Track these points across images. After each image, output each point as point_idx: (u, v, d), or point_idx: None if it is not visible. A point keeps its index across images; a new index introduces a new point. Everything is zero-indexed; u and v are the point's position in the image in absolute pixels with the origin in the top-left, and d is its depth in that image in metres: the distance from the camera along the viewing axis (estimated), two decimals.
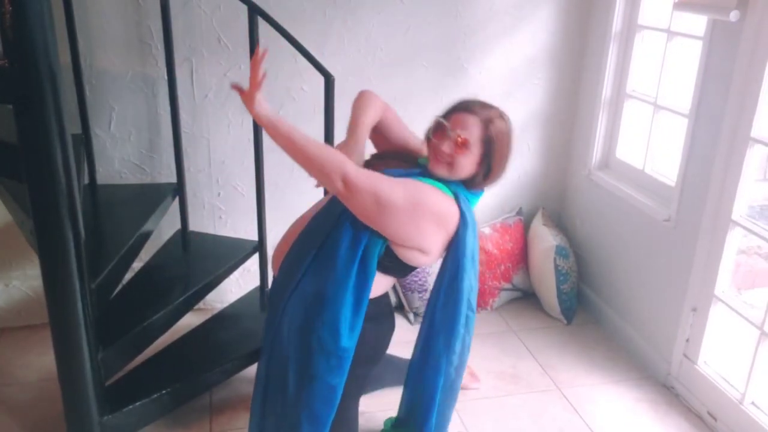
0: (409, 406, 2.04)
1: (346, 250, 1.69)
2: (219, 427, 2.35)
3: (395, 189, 1.64)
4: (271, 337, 1.85)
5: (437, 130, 1.74)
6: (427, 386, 1.90)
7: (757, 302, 2.51)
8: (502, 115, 1.76)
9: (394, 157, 1.89)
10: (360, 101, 1.88)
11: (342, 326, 1.71)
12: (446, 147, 1.71)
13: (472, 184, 1.79)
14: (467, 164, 1.73)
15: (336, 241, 1.70)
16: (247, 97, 1.58)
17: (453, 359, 1.87)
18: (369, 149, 2.05)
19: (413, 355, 1.97)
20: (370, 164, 1.82)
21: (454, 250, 1.77)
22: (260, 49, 1.58)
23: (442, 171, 1.74)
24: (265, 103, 1.59)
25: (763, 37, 2.09)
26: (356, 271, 1.69)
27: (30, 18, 1.50)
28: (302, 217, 1.89)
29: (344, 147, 1.77)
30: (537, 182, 3.27)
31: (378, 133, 1.94)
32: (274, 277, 1.89)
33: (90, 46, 2.58)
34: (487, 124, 1.72)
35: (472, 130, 1.70)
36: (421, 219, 1.67)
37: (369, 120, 1.83)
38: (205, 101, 2.74)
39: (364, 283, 1.71)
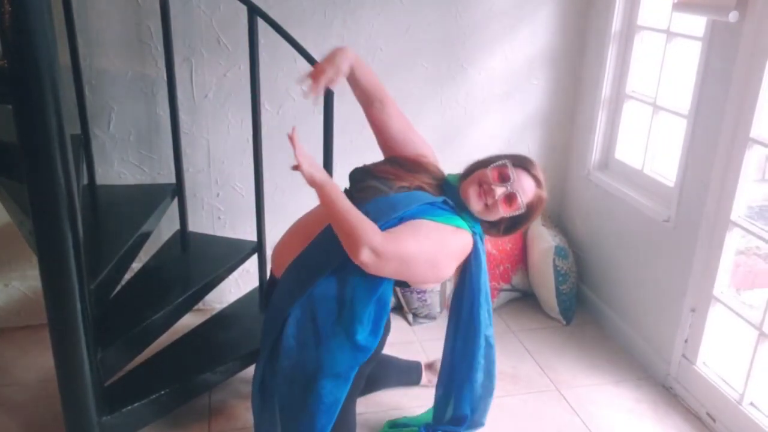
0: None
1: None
2: (218, 427, 2.35)
3: (420, 249, 1.67)
4: (272, 339, 1.85)
5: (499, 173, 1.75)
6: (455, 418, 1.98)
7: (756, 303, 2.51)
8: (545, 193, 1.83)
9: (412, 169, 1.86)
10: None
11: (363, 329, 1.75)
12: (500, 193, 1.74)
13: (488, 229, 1.85)
14: (499, 216, 1.78)
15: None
16: (306, 156, 1.62)
17: (476, 387, 1.96)
18: (370, 150, 2.05)
19: (437, 389, 2.05)
20: (384, 170, 1.81)
21: (470, 287, 1.85)
22: (293, 134, 1.62)
23: (476, 206, 1.77)
24: (317, 170, 1.63)
25: (762, 38, 2.09)
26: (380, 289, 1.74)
27: (30, 18, 1.50)
28: (305, 218, 1.89)
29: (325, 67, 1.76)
30: None
31: (380, 124, 1.92)
32: (273, 276, 1.89)
33: (89, 47, 2.58)
34: (538, 197, 1.79)
35: (527, 195, 1.77)
36: (441, 264, 1.75)
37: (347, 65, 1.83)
38: (205, 101, 2.74)
39: (386, 299, 1.76)
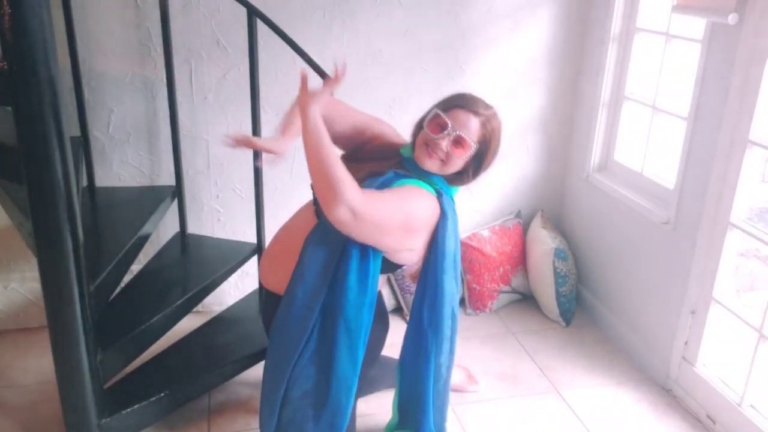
0: (403, 408, 2.04)
1: (356, 273, 1.69)
2: (217, 429, 2.35)
3: (393, 211, 1.64)
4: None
5: (435, 124, 1.72)
6: (422, 387, 1.90)
7: (756, 305, 2.51)
8: (496, 115, 1.77)
9: (370, 158, 1.83)
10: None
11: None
12: (445, 144, 1.70)
13: (458, 181, 1.79)
14: (459, 163, 1.73)
15: (346, 272, 1.68)
16: (314, 94, 1.54)
17: (442, 360, 1.87)
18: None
19: (402, 357, 1.96)
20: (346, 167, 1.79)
21: (434, 251, 1.76)
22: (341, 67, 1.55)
23: (432, 166, 1.73)
24: (317, 108, 1.56)
25: (761, 40, 2.10)
26: (370, 285, 1.71)
27: (29, 20, 1.50)
28: (282, 229, 1.87)
29: (277, 144, 1.72)
30: (536, 185, 3.27)
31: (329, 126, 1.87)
32: (263, 287, 1.87)
33: (89, 49, 2.58)
34: (485, 124, 1.73)
35: (472, 130, 1.71)
36: (414, 230, 1.69)
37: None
38: (204, 103, 2.74)
39: (375, 287, 1.74)
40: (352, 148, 1.91)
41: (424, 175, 1.75)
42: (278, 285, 1.81)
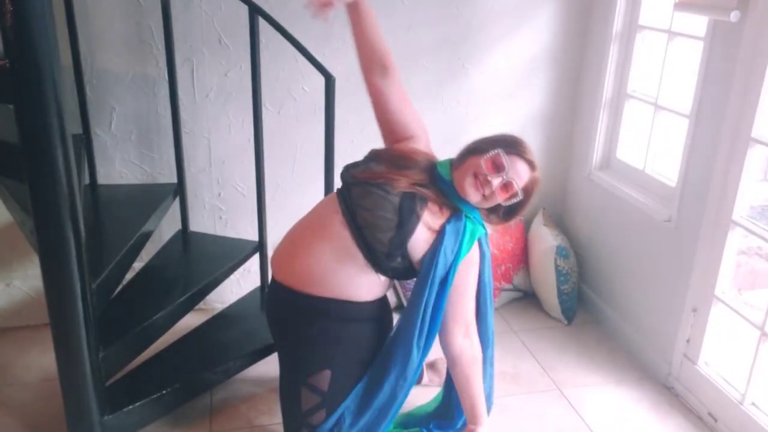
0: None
1: None
2: (219, 426, 2.35)
3: (471, 296, 1.86)
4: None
5: (493, 163, 1.74)
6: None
7: (758, 303, 2.51)
8: (537, 170, 1.83)
9: (400, 165, 1.83)
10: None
11: None
12: (496, 184, 1.74)
13: (487, 217, 1.86)
14: (498, 202, 1.80)
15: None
16: None
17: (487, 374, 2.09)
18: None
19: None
20: (375, 174, 1.79)
21: (479, 284, 1.91)
22: None
23: (474, 198, 1.77)
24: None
25: (763, 38, 2.09)
26: None
27: (31, 18, 1.50)
28: (302, 225, 1.88)
29: None
30: None
31: (378, 95, 1.90)
32: (276, 281, 1.87)
33: (91, 46, 2.58)
34: (533, 180, 1.80)
35: (522, 180, 1.77)
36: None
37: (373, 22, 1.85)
38: (206, 101, 2.75)
39: None
40: (389, 134, 1.95)
41: (457, 199, 1.79)
42: (291, 278, 1.81)
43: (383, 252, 1.69)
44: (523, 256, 3.19)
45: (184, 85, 2.68)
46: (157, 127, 2.75)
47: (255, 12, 2.26)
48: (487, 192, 1.74)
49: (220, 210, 2.93)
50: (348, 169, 1.86)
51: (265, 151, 2.48)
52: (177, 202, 2.73)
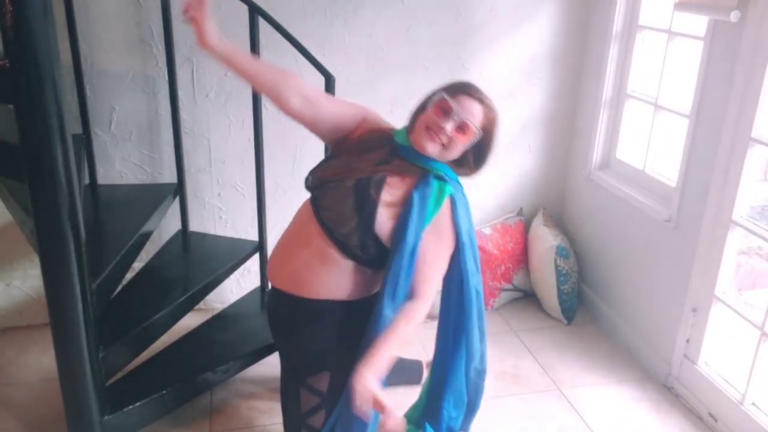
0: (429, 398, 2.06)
1: None
2: (219, 426, 2.35)
3: (441, 269, 1.73)
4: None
5: (440, 109, 1.69)
6: (448, 376, 1.93)
7: (758, 303, 2.51)
8: (495, 106, 1.76)
9: (364, 148, 1.78)
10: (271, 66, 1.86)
11: None
12: (449, 128, 1.67)
13: (460, 170, 1.77)
14: (460, 149, 1.71)
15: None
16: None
17: (474, 344, 1.88)
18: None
19: (436, 345, 1.96)
20: (336, 170, 1.75)
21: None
22: None
23: (433, 150, 1.69)
24: (366, 379, 1.59)
25: (763, 38, 2.09)
26: None
27: (31, 18, 1.50)
28: (292, 233, 1.87)
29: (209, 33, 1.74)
30: (537, 183, 3.27)
31: (305, 117, 1.82)
32: (275, 288, 1.87)
33: (91, 46, 2.58)
34: (488, 114, 1.72)
35: (476, 117, 1.69)
36: (450, 249, 1.75)
37: (248, 60, 1.80)
38: (206, 101, 2.75)
39: None
40: (341, 137, 1.87)
41: (423, 160, 1.73)
42: (285, 283, 1.81)
43: (355, 245, 1.68)
44: (523, 256, 3.19)
45: (184, 85, 2.68)
46: (157, 127, 2.75)
47: (255, 12, 2.26)
48: (443, 139, 1.67)
49: (220, 210, 2.93)
50: (312, 173, 1.84)
51: (265, 151, 2.48)
52: (177, 202, 2.73)
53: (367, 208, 1.66)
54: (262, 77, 1.79)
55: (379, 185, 1.69)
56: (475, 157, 1.75)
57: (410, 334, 1.67)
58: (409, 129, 1.76)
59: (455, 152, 1.72)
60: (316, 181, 1.78)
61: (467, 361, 1.89)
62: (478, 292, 1.84)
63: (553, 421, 2.44)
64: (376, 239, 1.68)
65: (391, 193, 1.69)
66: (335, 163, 1.79)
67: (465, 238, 1.75)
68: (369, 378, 1.57)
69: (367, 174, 1.70)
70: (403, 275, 1.68)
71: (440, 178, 1.72)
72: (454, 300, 1.84)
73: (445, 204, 1.71)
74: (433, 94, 1.73)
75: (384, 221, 1.67)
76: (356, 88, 2.78)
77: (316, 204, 1.74)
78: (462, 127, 1.68)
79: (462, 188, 1.78)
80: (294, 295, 1.78)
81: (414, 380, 2.54)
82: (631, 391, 2.61)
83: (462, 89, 1.72)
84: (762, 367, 2.23)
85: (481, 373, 1.94)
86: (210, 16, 1.65)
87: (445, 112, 1.68)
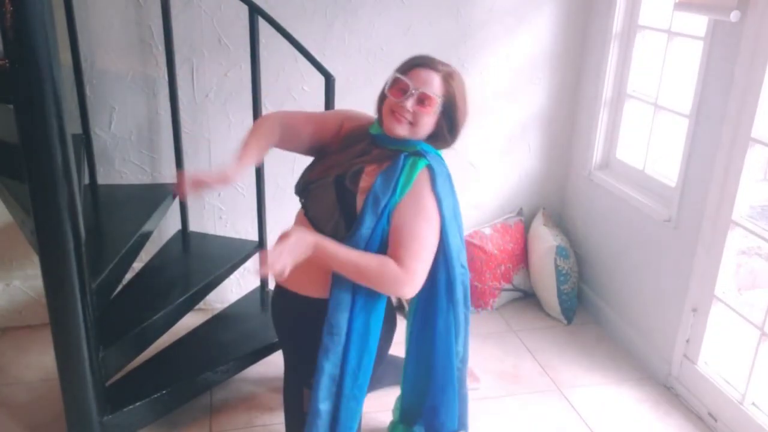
0: (410, 403, 2.04)
1: None
2: (219, 427, 2.36)
3: (427, 237, 1.67)
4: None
5: (397, 89, 1.68)
6: (435, 372, 1.91)
7: (758, 303, 2.51)
8: (456, 70, 1.74)
9: (345, 147, 1.78)
10: (256, 125, 1.85)
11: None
12: (410, 104, 1.66)
13: (438, 142, 1.76)
14: (429, 122, 1.70)
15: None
16: (293, 237, 1.56)
17: (459, 339, 1.86)
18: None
19: (410, 334, 1.95)
20: (319, 170, 1.75)
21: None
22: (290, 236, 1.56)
23: (402, 131, 1.68)
24: (309, 236, 1.59)
25: (763, 38, 2.09)
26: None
27: (31, 18, 1.51)
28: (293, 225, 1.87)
29: (231, 169, 1.71)
30: (537, 183, 3.27)
31: (293, 146, 1.86)
32: (280, 287, 1.87)
33: (91, 46, 2.58)
34: (446, 78, 1.70)
35: (434, 85, 1.68)
36: (437, 223, 1.70)
37: (260, 144, 1.78)
38: (206, 101, 2.75)
39: None
40: (323, 145, 1.88)
41: (400, 145, 1.72)
42: (289, 282, 1.81)
43: (343, 239, 1.69)
44: (522, 256, 3.19)
45: (184, 85, 2.68)
46: (157, 127, 2.75)
47: (255, 12, 2.26)
48: (408, 117, 1.66)
49: (220, 210, 2.93)
50: (300, 178, 1.84)
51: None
52: (177, 202, 2.73)
53: (347, 200, 1.67)
54: (269, 147, 1.83)
55: (356, 176, 1.69)
56: (448, 125, 1.73)
57: (370, 278, 1.63)
58: (378, 118, 1.77)
59: (426, 126, 1.70)
60: (302, 184, 1.79)
61: (455, 351, 1.86)
62: (463, 267, 1.81)
63: (553, 421, 2.44)
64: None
65: (367, 180, 1.69)
66: (318, 164, 1.80)
67: (447, 211, 1.71)
68: (310, 236, 1.57)
69: (345, 169, 1.71)
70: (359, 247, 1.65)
71: (416, 154, 1.70)
72: (442, 280, 1.79)
73: (422, 174, 1.68)
74: (389, 78, 1.73)
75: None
76: (356, 88, 2.77)
77: (305, 206, 1.76)
78: (422, 99, 1.67)
79: (444, 162, 1.76)
80: (298, 294, 1.78)
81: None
82: (631, 391, 2.61)
83: (413, 63, 1.73)
84: (762, 367, 2.23)
85: (465, 362, 1.94)
86: (214, 175, 1.67)
87: (403, 90, 1.68)
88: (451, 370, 1.88)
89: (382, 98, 1.74)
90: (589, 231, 3.14)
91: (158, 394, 2.11)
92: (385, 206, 1.64)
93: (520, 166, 3.20)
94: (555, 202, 3.32)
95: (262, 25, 2.26)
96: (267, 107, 2.74)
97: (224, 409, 2.44)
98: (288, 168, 2.89)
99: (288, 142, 1.84)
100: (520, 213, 3.25)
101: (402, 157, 1.69)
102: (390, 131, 1.70)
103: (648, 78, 2.78)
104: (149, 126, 2.75)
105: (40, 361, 2.64)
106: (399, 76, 1.69)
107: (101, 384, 1.94)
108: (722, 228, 2.30)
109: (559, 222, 3.32)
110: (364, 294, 1.70)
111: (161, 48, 2.57)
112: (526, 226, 3.25)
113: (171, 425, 2.33)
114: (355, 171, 1.69)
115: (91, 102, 2.61)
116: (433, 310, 1.84)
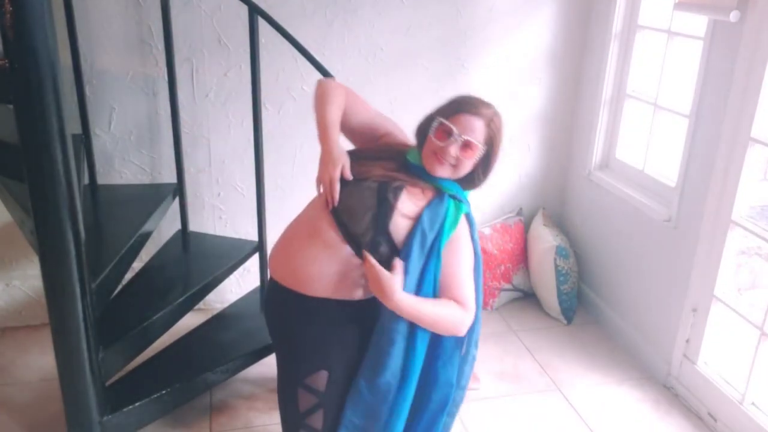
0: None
1: None
2: (219, 427, 2.35)
3: (471, 272, 1.77)
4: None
5: (441, 132, 1.74)
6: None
7: (757, 303, 2.51)
8: (497, 112, 1.78)
9: (377, 156, 1.83)
10: (321, 95, 1.87)
11: None
12: (454, 150, 1.72)
13: (470, 185, 1.81)
14: (469, 165, 1.76)
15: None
16: (387, 284, 1.60)
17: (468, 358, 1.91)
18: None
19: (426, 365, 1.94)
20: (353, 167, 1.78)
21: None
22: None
23: (444, 172, 1.75)
24: (400, 286, 1.63)
25: (763, 38, 2.09)
26: None
27: (30, 18, 1.50)
28: (297, 224, 1.88)
29: (325, 163, 1.74)
30: (537, 183, 3.27)
31: (343, 122, 1.89)
32: (274, 281, 1.87)
33: (90, 46, 2.58)
34: (489, 125, 1.75)
35: (477, 132, 1.73)
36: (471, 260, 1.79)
37: (336, 117, 1.82)
38: (206, 101, 2.75)
39: None
40: (363, 142, 1.94)
41: (440, 182, 1.77)
42: (287, 278, 1.81)
43: (367, 242, 1.69)
44: (522, 256, 3.19)
45: (184, 85, 2.68)
46: (157, 127, 2.75)
47: (255, 12, 2.25)
48: (451, 161, 1.72)
49: (220, 210, 2.93)
50: None
51: (264, 151, 2.48)
52: (177, 202, 2.73)
53: (384, 209, 1.70)
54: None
55: (397, 192, 1.73)
56: (483, 168, 1.81)
57: (445, 325, 1.72)
58: (419, 151, 1.80)
59: (465, 169, 1.77)
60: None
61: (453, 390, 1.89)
62: (477, 317, 1.88)
63: (553, 421, 2.44)
64: (389, 239, 1.69)
65: (409, 201, 1.73)
66: (353, 165, 1.81)
67: (477, 259, 1.81)
68: (396, 283, 1.62)
69: (387, 179, 1.75)
70: (411, 290, 1.72)
71: (453, 197, 1.76)
72: None
73: (463, 221, 1.77)
74: (433, 118, 1.77)
75: (400, 226, 1.71)
76: (356, 88, 2.74)
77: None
78: (466, 145, 1.72)
79: (470, 207, 1.83)
80: (295, 291, 1.78)
81: None
82: (631, 391, 2.61)
83: (458, 107, 1.76)
84: (761, 367, 2.23)
85: (473, 360, 1.96)
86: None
87: (447, 134, 1.72)
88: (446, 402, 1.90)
89: (423, 136, 1.78)
90: (588, 231, 3.14)
91: (158, 394, 2.11)
92: (432, 244, 1.71)
93: (519, 166, 3.20)
94: (555, 202, 3.32)
95: (262, 25, 2.26)
96: (267, 107, 2.74)
97: (224, 409, 2.44)
98: (288, 169, 2.89)
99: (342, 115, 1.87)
100: (519, 213, 3.26)
101: (446, 197, 1.75)
102: (431, 171, 1.75)
103: (648, 78, 2.78)
104: (149, 126, 2.75)
105: (39, 361, 2.64)
106: (443, 121, 1.73)
107: (101, 384, 1.94)
108: (722, 228, 2.30)
109: (559, 222, 3.32)
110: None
111: (161, 48, 2.57)
112: (526, 226, 3.25)
113: (171, 425, 2.33)
114: (397, 186, 1.74)
115: (90, 102, 2.61)
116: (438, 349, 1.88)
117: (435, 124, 1.74)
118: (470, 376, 1.99)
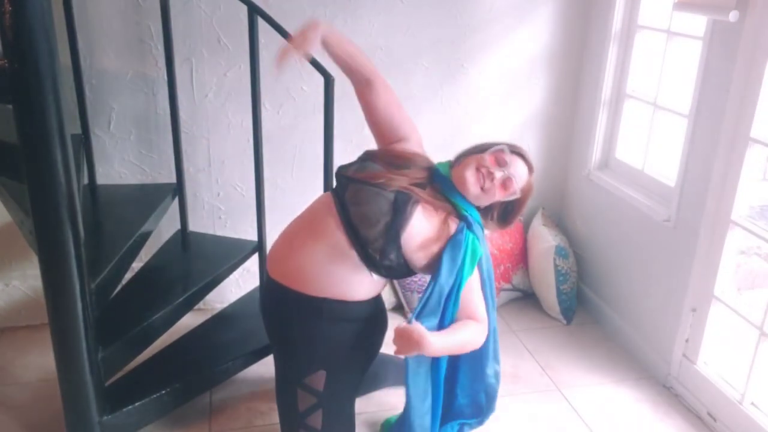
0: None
1: None
2: (218, 427, 2.35)
3: (480, 294, 1.83)
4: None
5: (497, 158, 1.79)
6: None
7: (757, 303, 2.51)
8: (532, 180, 1.88)
9: (399, 165, 1.84)
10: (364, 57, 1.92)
11: None
12: (498, 177, 1.78)
13: (483, 216, 1.87)
14: (494, 200, 1.82)
15: None
16: (419, 337, 1.61)
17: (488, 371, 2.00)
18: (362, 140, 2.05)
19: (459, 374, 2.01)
20: (372, 175, 1.78)
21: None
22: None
23: (474, 189, 1.79)
24: (431, 337, 1.63)
25: (762, 38, 2.09)
26: None
27: (30, 18, 1.50)
28: (298, 224, 1.88)
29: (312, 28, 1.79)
30: (536, 182, 3.21)
31: (367, 105, 1.94)
32: (272, 280, 1.87)
33: (90, 46, 2.58)
34: (530, 183, 1.85)
35: (522, 182, 1.82)
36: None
37: (349, 47, 1.88)
38: (205, 101, 2.75)
39: None
40: (380, 136, 1.97)
41: (453, 194, 1.80)
42: (286, 277, 1.81)
43: (377, 249, 1.69)
44: (522, 256, 3.20)
45: (184, 85, 2.68)
46: (157, 127, 2.75)
47: (254, 12, 2.25)
48: (487, 185, 1.77)
49: (220, 210, 2.93)
50: (342, 169, 1.86)
51: (264, 151, 2.48)
52: (176, 202, 2.73)
53: (399, 220, 1.72)
54: (362, 67, 1.91)
55: (414, 206, 1.76)
56: (500, 214, 1.89)
57: (467, 348, 1.79)
58: (455, 163, 1.85)
59: (489, 200, 1.83)
60: (346, 176, 1.81)
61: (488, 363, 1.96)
62: (494, 329, 1.94)
63: (553, 421, 2.44)
64: (399, 250, 1.70)
65: (424, 217, 1.76)
66: (371, 167, 1.82)
67: (485, 275, 1.87)
68: (427, 334, 1.62)
69: (405, 188, 1.77)
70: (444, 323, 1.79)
71: (465, 219, 1.79)
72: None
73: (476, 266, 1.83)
74: (494, 143, 1.84)
75: (412, 237, 1.73)
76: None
77: (343, 200, 1.75)
78: (506, 182, 1.79)
79: (483, 232, 1.87)
80: (294, 289, 1.78)
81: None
82: (631, 391, 2.61)
83: (519, 152, 1.86)
84: (761, 367, 2.23)
85: (498, 376, 2.03)
86: (303, 41, 1.80)
87: (499, 162, 1.79)
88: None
89: (476, 152, 1.83)
90: (588, 231, 3.14)
91: (158, 394, 2.11)
92: (449, 294, 1.76)
93: None
94: (554, 201, 3.32)
95: (262, 25, 2.26)
96: (266, 107, 2.74)
97: (224, 409, 2.44)
98: (287, 168, 2.89)
99: (368, 95, 1.92)
100: None
101: (463, 233, 1.77)
102: (461, 182, 1.80)
103: (647, 78, 2.78)
104: (148, 126, 2.75)
105: (39, 361, 2.64)
106: (506, 150, 1.80)
107: (100, 384, 1.94)
108: (721, 228, 2.30)
109: (559, 222, 3.32)
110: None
111: (160, 48, 2.57)
112: (526, 226, 3.25)
113: (171, 425, 2.33)
114: (415, 198, 1.76)
115: (90, 102, 2.61)
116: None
117: (498, 147, 1.80)
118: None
